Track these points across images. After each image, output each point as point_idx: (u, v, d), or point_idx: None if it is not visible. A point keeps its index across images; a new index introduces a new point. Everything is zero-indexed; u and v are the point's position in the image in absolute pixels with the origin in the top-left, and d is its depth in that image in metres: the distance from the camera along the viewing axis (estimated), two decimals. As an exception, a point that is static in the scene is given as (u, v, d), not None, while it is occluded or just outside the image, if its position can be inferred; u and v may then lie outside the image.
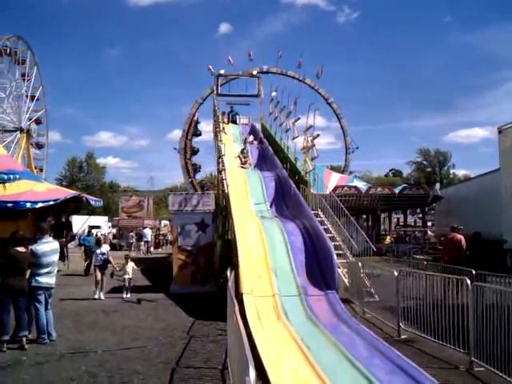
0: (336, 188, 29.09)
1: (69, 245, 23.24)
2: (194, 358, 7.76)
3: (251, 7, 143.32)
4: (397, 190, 32.76)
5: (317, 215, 14.63)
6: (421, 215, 42.92)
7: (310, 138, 16.87)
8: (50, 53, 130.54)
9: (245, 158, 19.79)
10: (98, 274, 13.68)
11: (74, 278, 18.61)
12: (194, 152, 45.79)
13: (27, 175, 19.25)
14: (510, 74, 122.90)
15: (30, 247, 8.78)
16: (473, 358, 6.89)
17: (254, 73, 32.22)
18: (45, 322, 8.71)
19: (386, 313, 9.88)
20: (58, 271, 10.37)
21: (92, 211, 28.26)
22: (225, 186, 16.38)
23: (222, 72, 31.00)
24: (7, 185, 16.44)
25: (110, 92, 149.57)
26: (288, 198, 16.49)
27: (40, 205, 16.05)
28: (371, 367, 6.51)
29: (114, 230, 47.94)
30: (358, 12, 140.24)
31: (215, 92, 29.32)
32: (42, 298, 8.76)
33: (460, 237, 13.43)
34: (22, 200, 15.75)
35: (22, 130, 42.21)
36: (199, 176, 49.36)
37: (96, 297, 13.41)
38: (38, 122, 46.67)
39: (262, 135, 24.67)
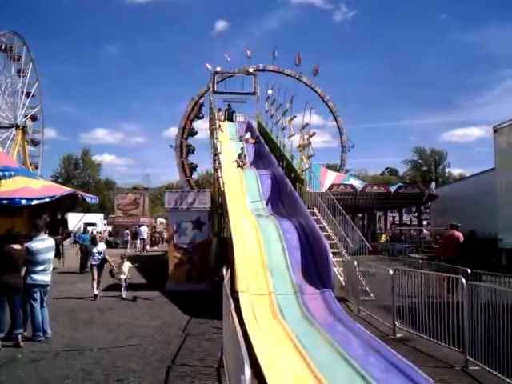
0: (332, 186, 29.16)
1: (64, 242, 23.19)
2: (189, 356, 7.76)
3: (248, 4, 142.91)
4: (392, 189, 32.87)
5: (313, 213, 14.65)
6: (416, 214, 43.02)
7: (306, 136, 16.89)
8: (47, 50, 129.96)
9: (242, 162, 19.75)
10: (95, 274, 13.56)
11: (70, 276, 18.57)
12: (190, 151, 45.90)
13: (22, 172, 19.21)
14: (508, 73, 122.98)
15: (26, 244, 8.75)
16: (468, 357, 6.91)
17: (251, 70, 32.18)
18: (40, 319, 8.70)
19: (382, 311, 9.89)
20: (54, 269, 10.35)
21: (87, 208, 28.29)
22: (221, 183, 16.37)
23: (218, 69, 30.97)
24: (2, 181, 16.43)
25: (106, 89, 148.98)
26: (284, 196, 16.50)
27: (35, 202, 16.02)
28: (366, 366, 6.53)
29: (110, 228, 47.87)
30: (355, 10, 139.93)
31: (211, 89, 29.29)
32: (37, 295, 8.74)
33: (458, 234, 13.47)
34: (17, 197, 15.72)
35: (17, 127, 42.06)
36: (196, 175, 49.56)
37: (96, 292, 13.30)
38: (33, 118, 46.57)
39: (258, 133, 24.66)
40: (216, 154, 18.64)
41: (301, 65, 38.49)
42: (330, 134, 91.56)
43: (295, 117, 19.56)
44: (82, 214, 25.78)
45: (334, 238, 14.08)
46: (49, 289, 9.21)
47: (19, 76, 43.78)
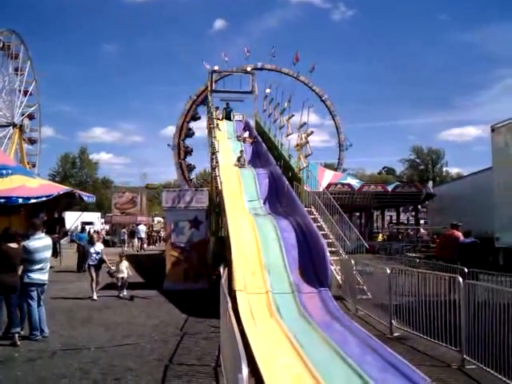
0: (329, 185, 29.20)
1: (61, 241, 23.14)
2: (187, 354, 7.77)
3: (246, 4, 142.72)
4: (390, 188, 32.92)
5: (310, 212, 14.66)
6: (413, 213, 43.08)
7: (303, 135, 16.88)
8: (45, 48, 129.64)
9: (241, 164, 19.71)
10: (93, 274, 13.49)
11: (67, 275, 18.55)
12: (188, 152, 46.09)
13: (20, 170, 19.15)
14: (506, 72, 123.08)
15: (23, 243, 8.74)
16: (465, 356, 6.93)
17: (249, 69, 32.14)
18: (37, 318, 8.69)
19: (379, 310, 9.90)
20: (51, 267, 10.34)
21: (85, 207, 28.20)
22: (218, 182, 16.36)
23: (216, 68, 30.94)
24: (0, 180, 16.38)
25: (104, 88, 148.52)
26: (281, 195, 16.50)
27: (33, 201, 15.99)
28: (363, 364, 6.53)
29: (107, 227, 47.77)
30: (353, 9, 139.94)
31: (209, 88, 29.26)
32: (34, 294, 8.73)
33: (458, 234, 13.48)
34: (14, 195, 15.68)
35: (14, 125, 41.87)
36: (193, 175, 49.76)
37: (95, 297, 13.22)
38: (30, 117, 46.36)
39: (256, 132, 24.65)
40: (214, 153, 18.62)
41: (299, 64, 38.60)
42: (328, 133, 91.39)
43: (293, 116, 19.58)
44: (80, 213, 25.64)
45: (331, 236, 14.10)
46: (46, 288, 9.20)
47: (17, 74, 43.59)
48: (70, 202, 21.31)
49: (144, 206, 48.30)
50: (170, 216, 16.05)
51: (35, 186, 17.47)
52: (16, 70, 43.66)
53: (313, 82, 45.49)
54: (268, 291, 10.55)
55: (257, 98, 28.60)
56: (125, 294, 13.67)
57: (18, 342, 8.23)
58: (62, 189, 18.60)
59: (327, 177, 33.05)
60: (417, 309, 8.37)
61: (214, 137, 20.26)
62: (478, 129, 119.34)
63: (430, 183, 38.20)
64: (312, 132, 17.29)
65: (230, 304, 6.04)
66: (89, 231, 25.61)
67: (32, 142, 48.34)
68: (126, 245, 36.53)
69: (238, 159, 19.77)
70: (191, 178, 47.33)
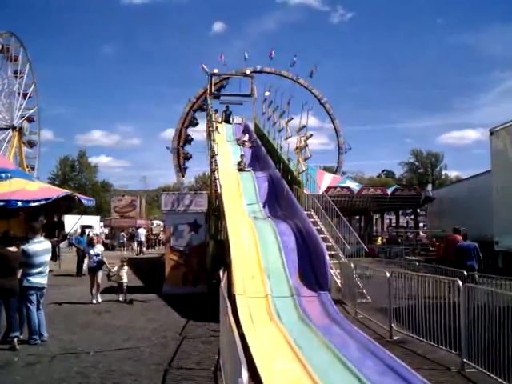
0: (329, 188, 29.16)
1: (60, 244, 23.11)
2: (186, 358, 7.76)
3: (245, 6, 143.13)
4: (389, 191, 32.90)
5: (309, 216, 14.63)
6: (413, 216, 43.06)
7: (303, 138, 16.86)
8: (43, 50, 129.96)
9: (242, 168, 19.67)
10: (94, 278, 13.38)
11: (66, 278, 18.52)
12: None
13: (19, 174, 19.18)
14: (505, 75, 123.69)
15: (22, 247, 8.73)
16: (464, 359, 6.92)
17: (248, 72, 32.18)
18: (36, 322, 8.67)
19: (378, 314, 9.91)
20: (50, 271, 10.34)
21: (84, 211, 28.15)
22: (218, 186, 16.35)
23: (215, 71, 30.93)
24: (-1, 183, 16.39)
25: (103, 90, 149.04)
26: (281, 198, 16.49)
27: (32, 204, 15.99)
28: (363, 368, 6.53)
29: (107, 230, 47.74)
30: (352, 12, 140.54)
31: (209, 91, 29.26)
32: (33, 298, 8.71)
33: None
34: (13, 199, 15.68)
35: (14, 128, 41.87)
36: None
37: (94, 302, 13.07)
38: (30, 119, 46.33)
39: (255, 135, 24.64)
40: (213, 156, 18.61)
41: (297, 66, 38.61)
42: (327, 136, 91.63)
43: (292, 119, 19.57)
44: (79, 216, 25.58)
45: (330, 240, 14.07)
46: (45, 291, 9.19)
47: (16, 77, 43.60)
48: (69, 205, 21.32)
49: (143, 210, 48.26)
50: (169, 219, 16.06)
51: (34, 189, 17.48)
52: (15, 72, 43.66)
53: (312, 84, 45.51)
54: (267, 295, 10.53)
55: (256, 100, 28.60)
56: (124, 298, 13.62)
57: (17, 347, 8.20)
58: (61, 192, 18.60)
59: (326, 180, 33.05)
60: (416, 312, 8.37)
61: (214, 140, 20.25)
62: (478, 132, 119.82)
63: (430, 186, 38.30)
64: (311, 135, 17.30)
65: (229, 308, 6.03)
66: (88, 234, 25.54)
67: (31, 144, 48.30)
68: (126, 248, 36.53)
69: (239, 163, 19.75)
70: (186, 166, 47.38)
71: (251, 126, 27.44)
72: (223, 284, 8.05)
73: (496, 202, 16.42)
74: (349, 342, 8.03)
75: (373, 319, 10.01)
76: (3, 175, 16.80)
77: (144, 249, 37.90)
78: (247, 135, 24.40)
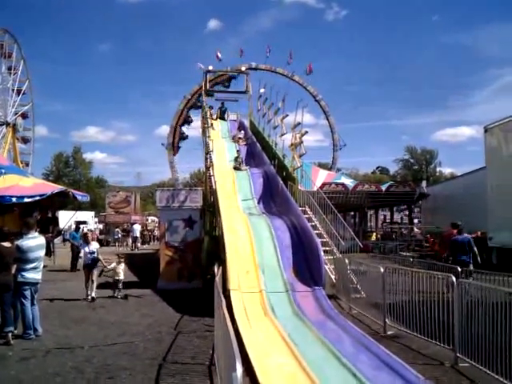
0: (323, 185, 29.19)
1: (55, 240, 23.06)
2: (181, 353, 7.77)
3: (240, 4, 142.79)
4: (383, 188, 32.98)
5: (304, 212, 14.65)
6: (407, 212, 43.19)
7: (298, 135, 16.87)
8: (40, 48, 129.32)
9: (239, 166, 19.66)
10: (88, 274, 13.29)
11: (61, 274, 18.47)
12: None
13: (13, 170, 19.13)
14: (499, 73, 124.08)
15: (16, 242, 8.72)
16: (458, 354, 6.97)
17: (243, 69, 32.09)
18: (31, 317, 8.67)
19: (373, 309, 9.94)
20: (44, 266, 10.32)
21: (79, 206, 28.04)
22: (212, 182, 16.35)
23: (210, 68, 30.86)
24: (-7, 179, 16.33)
25: (98, 87, 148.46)
26: (276, 194, 16.50)
27: (26, 200, 15.95)
28: (357, 363, 6.56)
29: (101, 226, 47.64)
30: (347, 9, 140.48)
31: (204, 88, 29.20)
32: (28, 293, 8.71)
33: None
34: (7, 195, 15.63)
35: (8, 125, 41.75)
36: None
37: (89, 297, 12.97)
38: (24, 116, 46.24)
39: (250, 132, 24.62)
40: (208, 153, 18.59)
41: (293, 64, 38.55)
42: (322, 133, 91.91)
43: (287, 115, 19.55)
44: (73, 212, 25.52)
45: (325, 236, 14.10)
46: (39, 287, 9.18)
47: (10, 73, 43.42)
48: (63, 201, 21.29)
49: (138, 206, 48.16)
50: (164, 215, 16.06)
51: (29, 185, 17.43)
52: (9, 68, 43.52)
53: (307, 82, 45.50)
54: (262, 290, 10.56)
55: (251, 97, 28.57)
56: (120, 294, 13.57)
57: (12, 341, 8.21)
58: (55, 188, 18.56)
59: (321, 176, 33.04)
60: (410, 307, 8.41)
61: (209, 136, 20.23)
62: (472, 129, 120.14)
63: (424, 183, 38.32)
64: (306, 132, 17.28)
65: (224, 303, 6.04)
66: (82, 229, 25.46)
67: (25, 141, 48.17)
68: (120, 244, 36.48)
69: (236, 159, 19.73)
70: (180, 145, 47.50)
71: (246, 123, 27.42)
72: (218, 279, 8.05)
73: (491, 199, 16.47)
74: (343, 337, 8.06)
75: (367, 314, 10.05)
76: (-3, 171, 16.75)
77: (139, 244, 37.85)
78: (242, 132, 24.37)
